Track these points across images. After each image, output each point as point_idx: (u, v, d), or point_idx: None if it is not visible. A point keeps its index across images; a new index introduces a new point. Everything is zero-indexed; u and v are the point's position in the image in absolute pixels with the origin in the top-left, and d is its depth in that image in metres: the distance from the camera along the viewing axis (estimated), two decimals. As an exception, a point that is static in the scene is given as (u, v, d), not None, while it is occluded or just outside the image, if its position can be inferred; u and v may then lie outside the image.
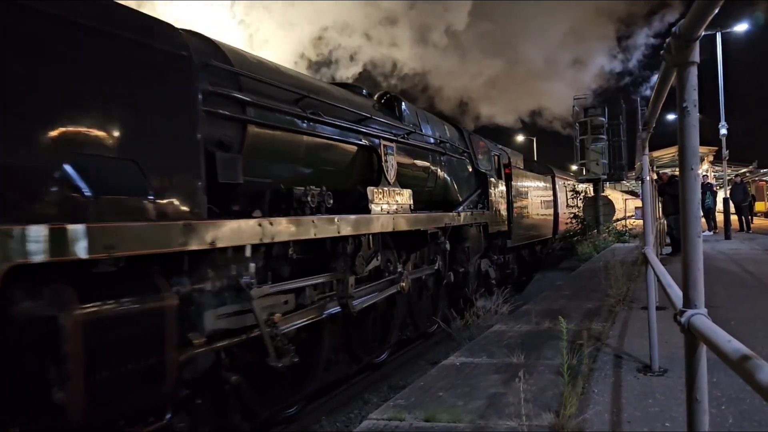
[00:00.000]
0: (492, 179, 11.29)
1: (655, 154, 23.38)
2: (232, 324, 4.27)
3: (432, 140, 9.08)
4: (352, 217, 5.73)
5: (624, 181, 42.00)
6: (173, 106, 3.95)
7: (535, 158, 31.70)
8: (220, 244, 3.93)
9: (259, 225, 4.36)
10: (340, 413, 6.15)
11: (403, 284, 7.11)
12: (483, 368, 5.32)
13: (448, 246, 8.59)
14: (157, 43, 3.88)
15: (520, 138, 49.69)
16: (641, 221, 6.30)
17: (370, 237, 6.49)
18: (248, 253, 4.43)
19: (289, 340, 4.69)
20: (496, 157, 11.96)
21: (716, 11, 1.71)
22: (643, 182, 5.55)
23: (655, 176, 14.62)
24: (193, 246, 3.73)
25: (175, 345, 3.51)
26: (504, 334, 6.75)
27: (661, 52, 2.10)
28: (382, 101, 8.45)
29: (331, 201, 5.45)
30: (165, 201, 3.80)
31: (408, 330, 8.37)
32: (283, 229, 4.65)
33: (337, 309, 5.80)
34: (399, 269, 7.10)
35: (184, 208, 3.93)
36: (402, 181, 7.65)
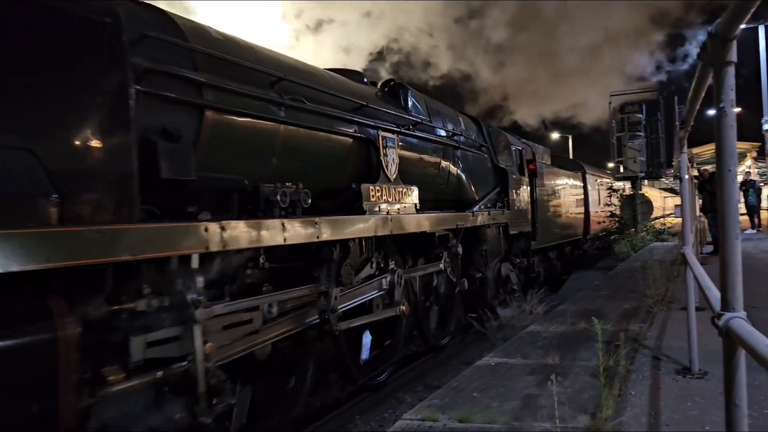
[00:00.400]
0: (513, 176, 10.36)
1: (695, 150, 22.29)
2: (173, 352, 3.50)
3: (443, 133, 8.21)
4: (337, 218, 4.92)
5: (663, 179, 40.66)
6: (90, 83, 3.21)
7: (570, 156, 30.55)
8: (145, 255, 3.16)
9: (205, 230, 3.58)
10: (374, 412, 6.14)
11: (403, 308, 6.28)
12: (518, 369, 5.29)
13: (460, 250, 7.73)
14: (67, 6, 3.14)
15: (554, 135, 48.21)
16: (680, 219, 6.06)
17: (363, 241, 5.68)
18: (195, 264, 3.66)
19: (247, 368, 3.92)
20: (518, 152, 11.02)
21: (753, 10, 1.73)
22: (681, 181, 5.44)
23: (695, 172, 13.64)
24: (107, 257, 2.97)
25: (74, 386, 2.75)
26: (539, 334, 6.69)
27: (698, 51, 2.14)
28: (386, 89, 7.62)
29: (309, 200, 4.66)
30: (76, 202, 3.06)
31: (414, 344, 7.54)
32: (239, 234, 3.86)
33: (316, 323, 5.01)
34: (391, 266, 6.18)
35: (105, 211, 3.19)
36: (406, 178, 6.82)
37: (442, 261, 7.54)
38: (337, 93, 5.87)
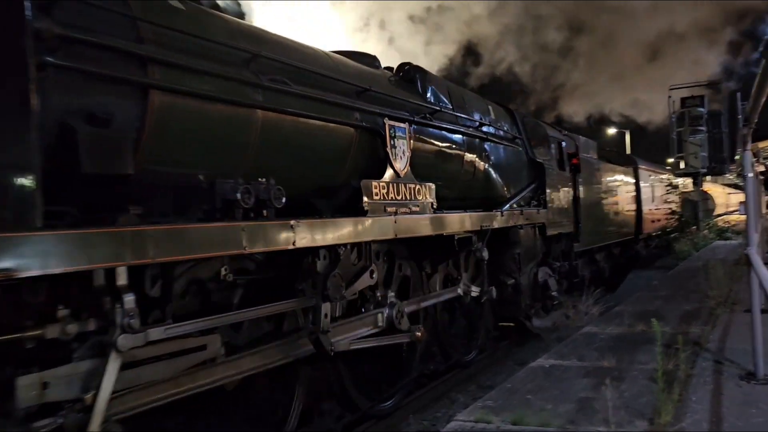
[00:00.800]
0: (552, 171, 9.38)
1: (761, 144, 20.74)
2: (75, 393, 2.79)
3: (469, 123, 7.33)
4: (319, 221, 4.13)
5: (727, 175, 38.68)
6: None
7: (627, 151, 29.07)
8: (27, 272, 2.45)
9: (118, 237, 2.85)
10: (427, 411, 6.06)
11: (419, 334, 5.47)
12: (573, 371, 5.21)
13: (485, 254, 6.84)
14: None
15: (611, 131, 46.02)
16: (745, 217, 5.80)
17: (360, 247, 4.89)
18: (123, 280, 2.94)
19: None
20: (558, 145, 10.01)
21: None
22: (745, 179, 5.44)
23: (761, 168, 12.35)
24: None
25: None
26: (595, 336, 6.56)
27: (760, 48, 2.29)
28: (401, 74, 6.80)
29: (283, 199, 3.89)
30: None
31: (434, 362, 6.70)
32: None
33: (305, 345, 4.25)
34: (390, 299, 5.41)
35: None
36: (422, 173, 6.00)
37: (460, 285, 6.70)
38: (335, 75, 5.09)
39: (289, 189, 4.77)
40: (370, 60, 6.57)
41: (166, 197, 3.62)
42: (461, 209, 6.83)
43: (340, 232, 4.34)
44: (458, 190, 7.08)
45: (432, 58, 12.73)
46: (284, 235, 3.78)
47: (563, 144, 10.21)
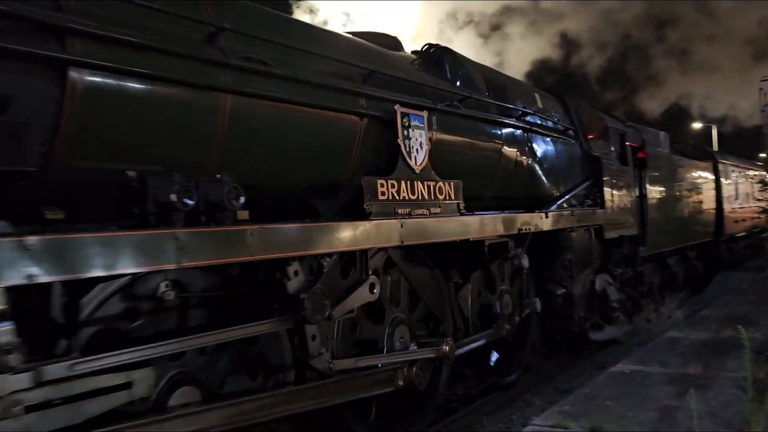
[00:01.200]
0: (611, 166, 8.31)
1: None
2: None
3: (509, 112, 6.44)
4: (284, 227, 3.39)
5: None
6: None
7: (715, 148, 27.07)
8: None
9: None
10: (501, 414, 5.91)
11: (446, 348, 4.71)
12: (655, 377, 5.11)
13: (525, 261, 5.93)
14: None
15: (696, 125, 42.99)
16: None
17: (358, 255, 4.13)
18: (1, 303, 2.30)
19: None
20: (619, 137, 8.90)
21: None
22: None
23: None
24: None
25: None
26: (678, 341, 6.43)
27: None
28: (425, 57, 6.01)
29: (242, 199, 3.18)
30: None
31: (464, 386, 5.86)
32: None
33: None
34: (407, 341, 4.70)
35: None
36: (446, 169, 5.20)
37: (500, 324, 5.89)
38: (334, 55, 4.36)
39: (276, 188, 4.14)
40: (390, 41, 5.82)
41: (96, 198, 2.99)
42: (498, 210, 5.98)
43: (322, 239, 3.59)
44: (495, 188, 6.21)
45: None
46: (238, 245, 3.07)
47: (625, 135, 9.08)
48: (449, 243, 5.02)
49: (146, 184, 2.83)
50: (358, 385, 4.16)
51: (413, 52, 6.20)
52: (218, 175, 3.23)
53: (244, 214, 3.43)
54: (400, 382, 4.40)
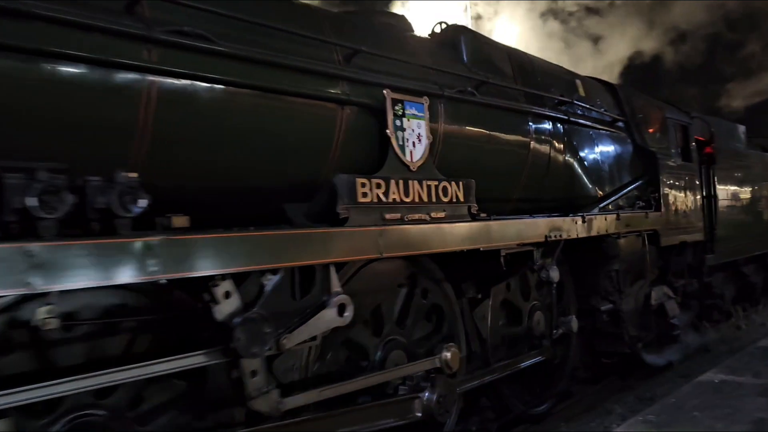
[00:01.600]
0: (670, 162, 7.25)
1: None
2: None
3: (541, 100, 5.57)
4: (198, 238, 2.69)
5: None
6: None
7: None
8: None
9: None
10: (580, 420, 5.67)
11: (448, 355, 3.95)
12: (747, 388, 4.94)
13: (554, 274, 5.05)
14: None
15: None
16: None
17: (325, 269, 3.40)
18: None
19: None
20: (680, 129, 7.80)
21: None
22: None
23: None
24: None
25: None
26: None
27: None
28: (441, 37, 5.22)
29: (142, 203, 2.52)
30: None
31: (479, 420, 5.03)
32: None
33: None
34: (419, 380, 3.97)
35: None
36: (457, 168, 4.44)
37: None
38: (303, 30, 3.66)
39: (234, 190, 3.49)
40: (396, 20, 5.07)
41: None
42: (526, 214, 5.14)
43: (258, 253, 2.87)
44: (523, 189, 5.37)
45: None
46: (130, 262, 2.40)
47: (689, 127, 7.96)
48: (460, 252, 4.24)
49: (2, 185, 2.21)
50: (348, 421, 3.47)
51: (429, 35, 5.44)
52: (132, 175, 2.59)
53: (181, 221, 2.81)
54: (419, 414, 3.74)
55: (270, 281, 2.96)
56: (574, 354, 5.98)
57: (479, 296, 4.94)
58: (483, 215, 4.49)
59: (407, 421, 3.76)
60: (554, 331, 5.37)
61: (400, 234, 3.67)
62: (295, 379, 3.48)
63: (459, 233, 4.12)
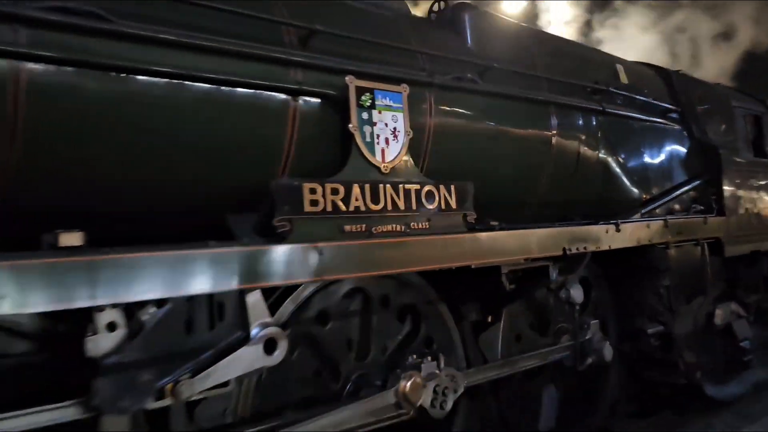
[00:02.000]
0: (737, 158, 6.19)
1: None
2: None
3: (567, 89, 4.75)
4: (35, 262, 2.11)
5: None
6: None
7: None
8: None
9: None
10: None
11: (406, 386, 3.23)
12: None
13: (577, 294, 4.21)
14: None
15: None
16: None
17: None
18: None
19: None
20: (751, 120, 6.69)
21: None
22: None
23: None
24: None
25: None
26: None
27: None
28: (441, 17, 4.51)
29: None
30: None
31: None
32: None
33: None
34: None
35: None
36: (455, 169, 3.75)
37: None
38: (243, 8, 3.06)
39: (156, 198, 2.94)
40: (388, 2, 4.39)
41: None
42: (549, 221, 4.34)
43: (140, 280, 2.27)
44: (544, 191, 4.57)
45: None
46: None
47: (762, 118, 6.84)
48: (458, 269, 3.52)
49: None
50: None
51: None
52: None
53: (71, 239, 2.27)
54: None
55: (150, 314, 2.35)
56: (612, 385, 5.09)
57: (488, 319, 4.19)
58: (494, 224, 3.77)
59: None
60: (584, 361, 4.50)
61: (355, 252, 2.99)
62: (231, 421, 2.89)
63: (447, 247, 3.38)
